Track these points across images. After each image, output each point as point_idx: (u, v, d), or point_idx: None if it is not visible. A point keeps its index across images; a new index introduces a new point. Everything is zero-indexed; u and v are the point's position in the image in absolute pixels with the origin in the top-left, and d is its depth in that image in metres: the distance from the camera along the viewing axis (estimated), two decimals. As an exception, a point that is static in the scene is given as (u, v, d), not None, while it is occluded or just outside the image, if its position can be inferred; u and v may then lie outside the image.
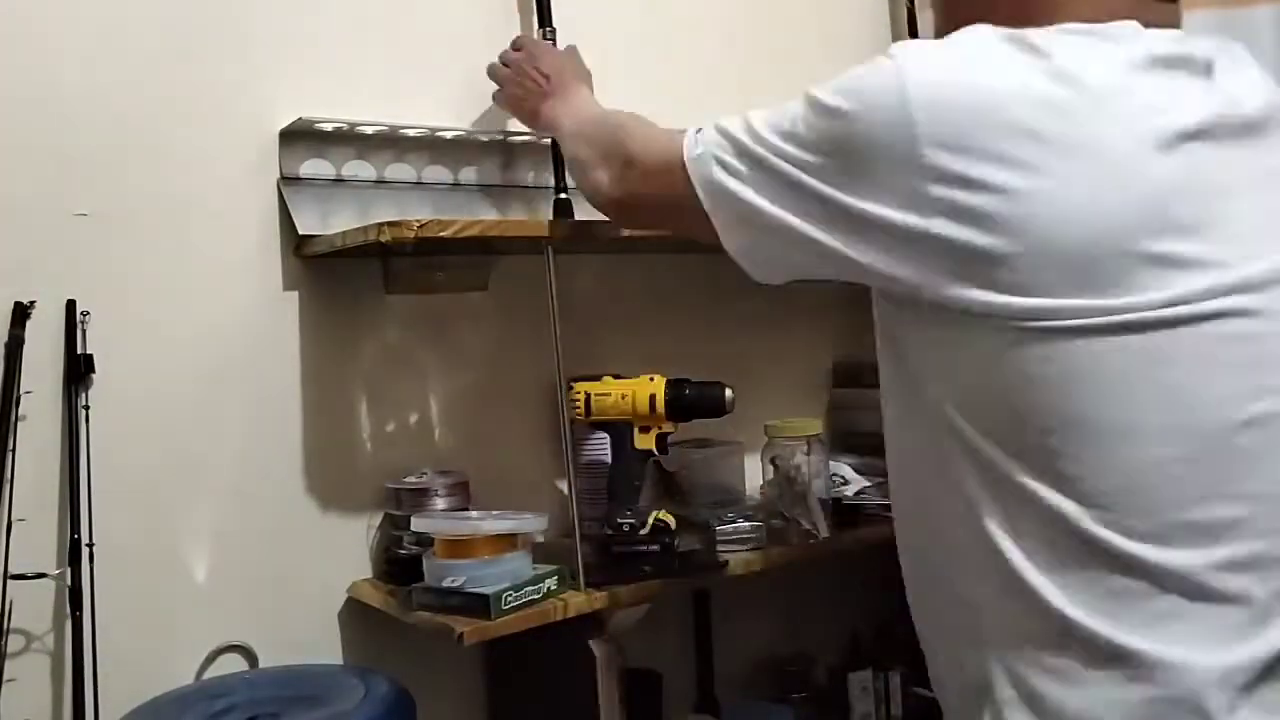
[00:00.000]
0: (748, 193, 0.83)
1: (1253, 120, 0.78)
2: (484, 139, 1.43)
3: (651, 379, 1.29)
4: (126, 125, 1.21)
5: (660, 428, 1.29)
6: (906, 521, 0.90)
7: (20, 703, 1.12)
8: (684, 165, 0.88)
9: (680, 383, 1.28)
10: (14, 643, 1.12)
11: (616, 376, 1.31)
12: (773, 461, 1.45)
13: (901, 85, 0.73)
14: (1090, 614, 0.74)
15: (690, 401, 1.28)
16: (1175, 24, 0.84)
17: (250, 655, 1.27)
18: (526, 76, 1.32)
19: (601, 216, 1.10)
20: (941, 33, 0.81)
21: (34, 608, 1.14)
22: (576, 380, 1.30)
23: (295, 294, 1.32)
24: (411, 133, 1.37)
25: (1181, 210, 0.72)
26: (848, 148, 0.76)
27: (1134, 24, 0.79)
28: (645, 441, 1.29)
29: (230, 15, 1.28)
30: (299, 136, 1.30)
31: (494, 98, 1.41)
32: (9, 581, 1.08)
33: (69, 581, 1.12)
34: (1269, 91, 0.82)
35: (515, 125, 1.48)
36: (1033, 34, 0.75)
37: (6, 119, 1.15)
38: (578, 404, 1.29)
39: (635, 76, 1.60)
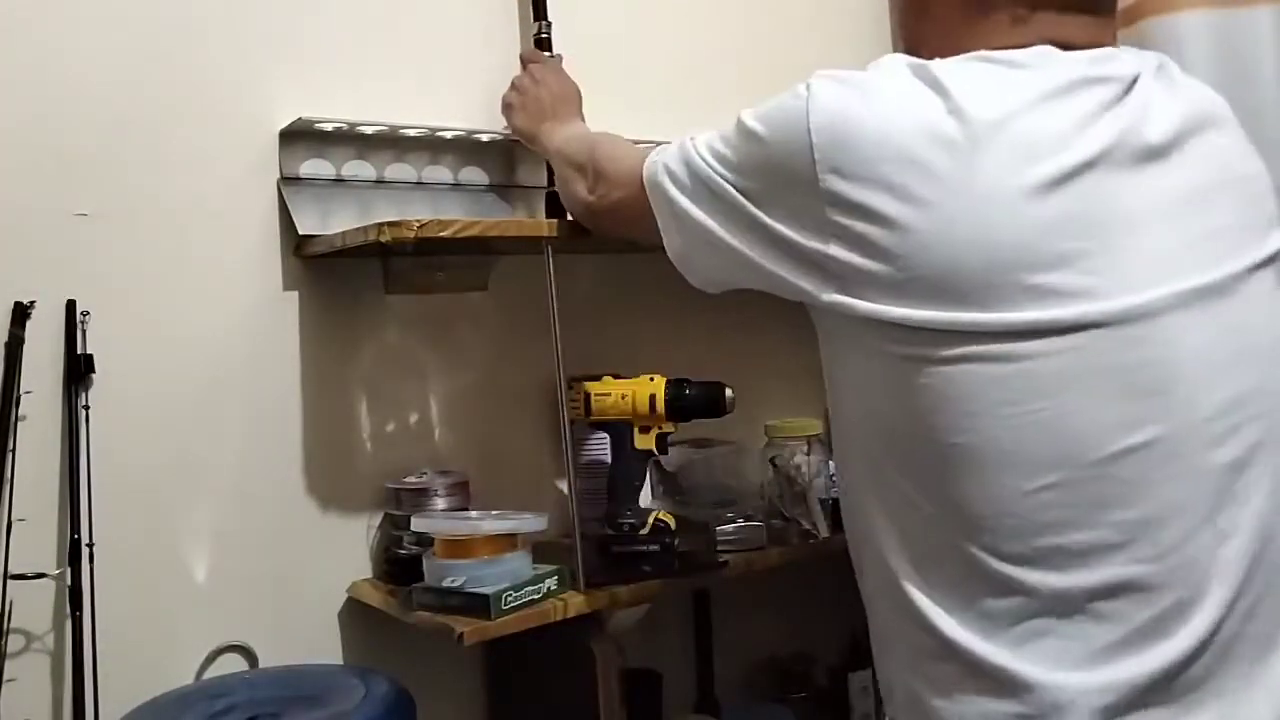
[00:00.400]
0: (684, 201, 0.90)
1: (1155, 144, 0.78)
2: (484, 139, 1.43)
3: (651, 379, 1.29)
4: (127, 125, 1.21)
5: (660, 428, 1.29)
6: (848, 532, 0.94)
7: (20, 703, 1.12)
8: (642, 174, 0.96)
9: (680, 383, 1.28)
10: (14, 643, 1.12)
11: (616, 376, 1.31)
12: (773, 461, 1.45)
13: (806, 114, 0.78)
14: (968, 630, 0.76)
15: (690, 401, 1.28)
16: (1102, 40, 0.83)
17: (250, 655, 1.27)
18: (529, 96, 1.35)
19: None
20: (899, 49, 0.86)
21: (34, 608, 1.14)
22: (576, 380, 1.30)
23: (295, 294, 1.32)
24: (412, 132, 1.37)
25: (1063, 244, 0.73)
26: (762, 170, 0.83)
27: (1049, 49, 0.80)
28: (645, 441, 1.29)
29: (230, 15, 1.28)
30: (299, 136, 1.30)
31: (503, 114, 1.41)
32: (9, 581, 1.08)
33: (69, 581, 1.12)
34: (1190, 110, 0.82)
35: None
36: (939, 66, 0.77)
37: (7, 119, 1.15)
38: (578, 404, 1.29)
39: (632, 73, 1.61)
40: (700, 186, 0.88)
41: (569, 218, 1.23)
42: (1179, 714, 0.74)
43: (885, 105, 0.76)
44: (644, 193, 0.95)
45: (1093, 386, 0.73)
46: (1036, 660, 0.74)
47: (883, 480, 0.81)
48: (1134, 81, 0.80)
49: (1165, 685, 0.74)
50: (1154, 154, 0.78)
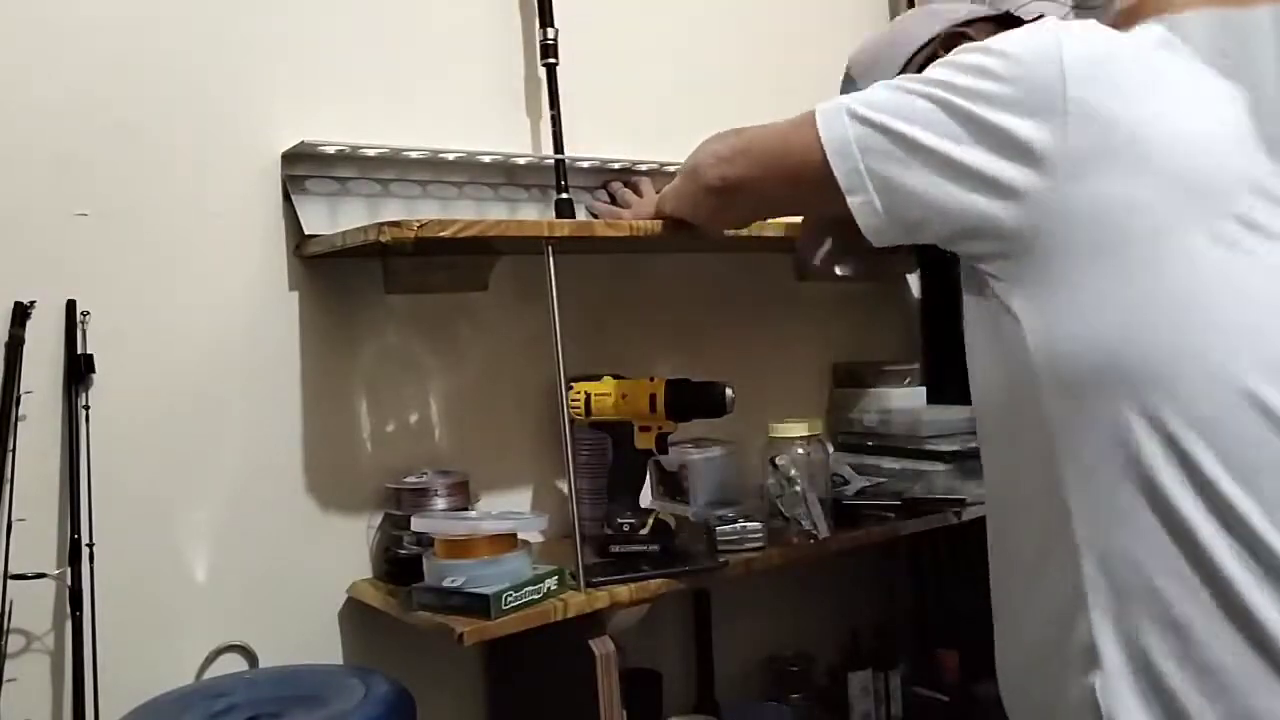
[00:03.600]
0: (880, 117, 0.87)
1: None
2: (486, 160, 1.42)
3: (651, 379, 1.29)
4: (128, 128, 1.22)
5: (660, 428, 1.29)
6: (996, 481, 0.92)
7: (20, 703, 1.12)
8: (814, 120, 0.91)
9: (680, 383, 1.28)
10: (14, 643, 1.12)
11: (616, 376, 1.31)
12: (773, 461, 1.45)
13: (1057, 34, 0.83)
14: (1230, 552, 0.75)
15: (690, 401, 1.27)
16: None
17: (250, 655, 1.27)
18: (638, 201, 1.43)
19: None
20: None
21: (34, 608, 1.14)
22: (576, 380, 1.30)
23: (295, 294, 1.32)
24: (414, 154, 1.35)
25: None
26: (998, 77, 0.83)
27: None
28: (645, 441, 1.29)
29: (236, 26, 1.28)
30: (302, 158, 1.30)
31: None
32: (9, 581, 1.08)
33: (69, 581, 1.12)
34: None
35: (517, 146, 1.49)
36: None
37: (9, 120, 1.15)
38: (578, 404, 1.29)
39: (633, 77, 1.61)
40: (904, 101, 0.86)
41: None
42: None
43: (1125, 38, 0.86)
44: (807, 134, 0.91)
45: None
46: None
47: (1115, 421, 0.78)
48: None
49: None
50: None
